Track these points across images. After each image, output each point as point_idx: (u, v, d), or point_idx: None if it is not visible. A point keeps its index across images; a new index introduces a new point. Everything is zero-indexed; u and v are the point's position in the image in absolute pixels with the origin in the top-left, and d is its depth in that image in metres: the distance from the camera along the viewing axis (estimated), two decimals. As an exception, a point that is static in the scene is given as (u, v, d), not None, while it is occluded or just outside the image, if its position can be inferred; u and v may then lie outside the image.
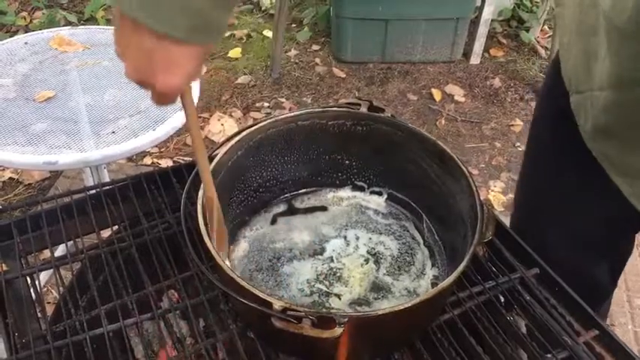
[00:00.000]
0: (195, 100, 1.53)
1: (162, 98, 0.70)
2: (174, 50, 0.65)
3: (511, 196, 2.45)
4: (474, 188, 0.85)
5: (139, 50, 0.66)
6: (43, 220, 1.01)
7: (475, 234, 0.79)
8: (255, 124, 0.96)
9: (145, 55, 0.66)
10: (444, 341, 0.87)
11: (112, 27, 0.70)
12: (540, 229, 1.14)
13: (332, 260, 0.97)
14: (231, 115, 2.78)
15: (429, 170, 0.96)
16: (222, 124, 2.70)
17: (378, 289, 0.93)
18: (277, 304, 0.68)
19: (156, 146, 2.45)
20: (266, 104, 2.88)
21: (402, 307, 0.71)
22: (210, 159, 0.90)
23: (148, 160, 2.52)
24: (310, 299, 0.90)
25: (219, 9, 0.66)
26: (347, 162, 1.06)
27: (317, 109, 1.00)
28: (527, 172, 1.22)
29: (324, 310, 0.89)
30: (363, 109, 1.00)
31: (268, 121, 0.97)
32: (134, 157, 2.49)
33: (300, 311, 0.68)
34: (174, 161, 2.51)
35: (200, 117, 2.74)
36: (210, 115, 2.75)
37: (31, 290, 0.95)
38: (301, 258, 0.97)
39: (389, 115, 1.00)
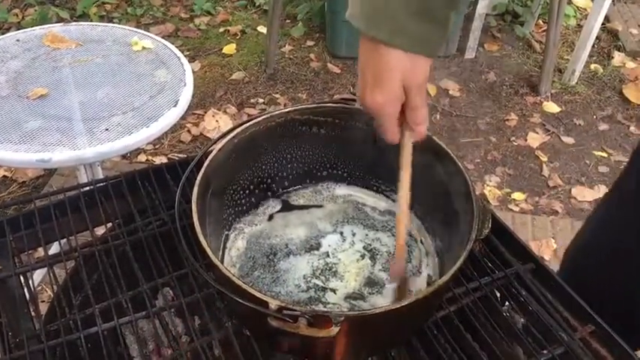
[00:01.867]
0: (189, 96, 1.52)
1: (375, 117, 0.77)
2: (382, 58, 0.71)
3: (506, 190, 2.45)
4: (470, 184, 0.85)
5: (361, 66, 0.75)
6: (36, 218, 1.00)
7: (471, 230, 0.79)
8: (250, 120, 0.95)
9: (361, 70, 0.75)
10: (440, 338, 0.86)
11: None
12: (609, 267, 1.11)
13: (328, 255, 0.97)
14: (225, 112, 2.77)
15: (425, 166, 0.95)
16: (216, 121, 2.69)
17: (373, 284, 0.92)
18: (273, 304, 0.68)
19: (150, 143, 2.44)
20: (260, 100, 2.87)
21: (398, 306, 0.70)
22: (205, 155, 0.89)
23: (142, 158, 2.50)
24: (307, 295, 0.90)
25: (414, 16, 0.68)
26: (342, 158, 1.06)
27: (312, 105, 0.99)
28: (610, 208, 1.16)
29: (320, 305, 0.88)
30: (358, 105, 0.99)
31: (263, 117, 0.96)
32: (128, 154, 2.48)
33: (295, 310, 0.68)
34: (168, 158, 2.50)
35: (194, 113, 2.74)
36: (205, 112, 2.74)
37: (25, 289, 0.94)
38: (297, 253, 0.97)
39: (384, 110, 0.99)
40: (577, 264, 1.24)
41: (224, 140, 0.92)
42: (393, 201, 1.05)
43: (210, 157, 0.88)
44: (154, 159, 2.50)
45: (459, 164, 0.88)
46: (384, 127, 0.78)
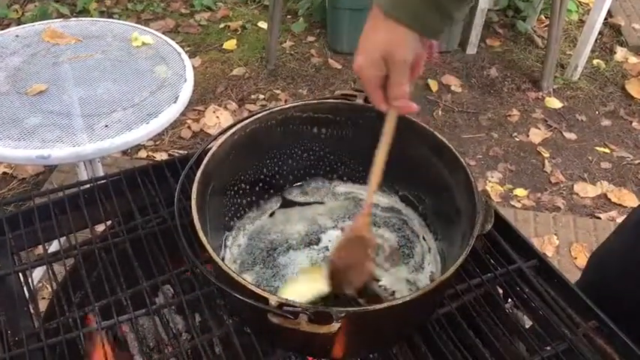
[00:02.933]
0: (190, 92, 1.51)
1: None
2: (376, 27, 0.79)
3: (509, 186, 2.44)
4: (472, 180, 0.84)
5: None
6: (35, 215, 1.00)
7: (474, 227, 0.78)
8: (251, 116, 0.94)
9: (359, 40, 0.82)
10: (443, 334, 0.86)
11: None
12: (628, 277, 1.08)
13: (327, 250, 0.96)
14: (226, 108, 2.76)
15: (427, 162, 0.95)
16: (217, 117, 2.68)
17: (375, 280, 0.92)
18: (273, 300, 0.67)
19: (150, 139, 2.44)
20: (261, 96, 2.86)
21: (399, 302, 0.70)
22: (205, 152, 0.89)
23: (143, 154, 2.50)
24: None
25: None
26: (343, 154, 1.05)
27: (313, 101, 0.99)
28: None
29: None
30: (359, 101, 0.99)
31: (263, 113, 0.95)
32: (129, 150, 2.48)
33: (296, 307, 0.67)
34: (169, 154, 2.50)
35: (195, 110, 2.73)
36: (205, 108, 2.74)
37: (24, 287, 0.93)
38: (297, 248, 0.96)
39: (385, 106, 0.98)
40: (597, 273, 1.20)
41: (224, 137, 0.91)
42: (395, 196, 1.04)
43: (209, 154, 0.88)
44: (154, 155, 2.49)
45: (461, 160, 0.87)
46: (367, 92, 0.86)
